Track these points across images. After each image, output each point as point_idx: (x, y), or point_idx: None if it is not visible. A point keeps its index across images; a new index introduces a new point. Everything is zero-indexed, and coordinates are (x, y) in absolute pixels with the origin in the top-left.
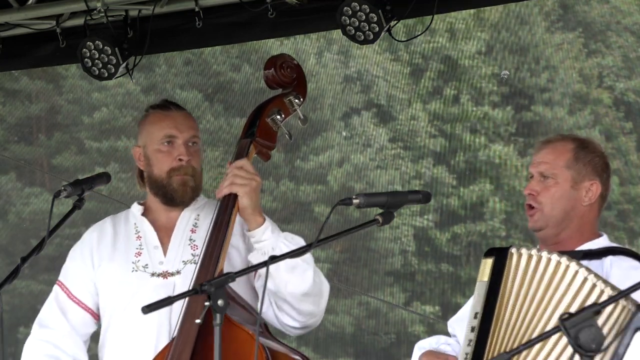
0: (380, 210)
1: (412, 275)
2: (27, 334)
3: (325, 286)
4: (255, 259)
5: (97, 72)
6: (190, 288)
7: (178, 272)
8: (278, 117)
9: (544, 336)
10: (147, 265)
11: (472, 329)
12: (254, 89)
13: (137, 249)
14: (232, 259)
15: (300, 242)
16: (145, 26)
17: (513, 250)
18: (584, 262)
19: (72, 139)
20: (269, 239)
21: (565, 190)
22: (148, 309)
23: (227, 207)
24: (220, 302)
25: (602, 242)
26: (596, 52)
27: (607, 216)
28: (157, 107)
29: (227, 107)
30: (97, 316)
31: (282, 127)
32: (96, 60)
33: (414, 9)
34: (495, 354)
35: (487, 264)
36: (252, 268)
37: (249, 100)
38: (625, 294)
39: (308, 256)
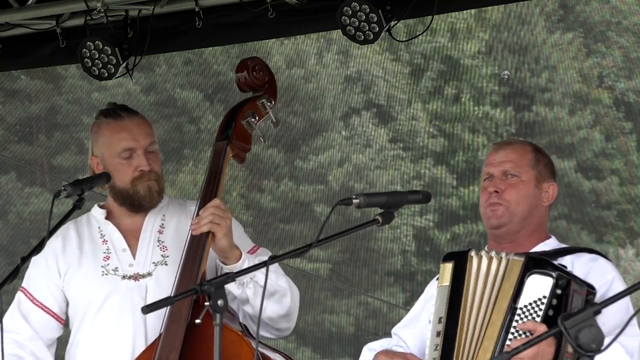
0: (380, 210)
1: (412, 275)
2: None
3: (297, 298)
4: (232, 288)
5: (97, 72)
6: (173, 290)
7: (149, 274)
8: (252, 119)
9: (543, 336)
10: (117, 268)
11: (438, 334)
12: None
13: (104, 252)
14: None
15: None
16: (145, 26)
17: (472, 253)
18: None
19: (72, 139)
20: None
21: (530, 188)
22: (148, 309)
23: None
24: (220, 302)
25: (553, 243)
26: (596, 52)
27: (607, 216)
28: (109, 116)
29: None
30: (62, 320)
31: (257, 130)
32: (96, 60)
33: (414, 9)
34: (464, 357)
35: (446, 269)
36: (252, 268)
37: None
38: (625, 294)
39: (284, 282)
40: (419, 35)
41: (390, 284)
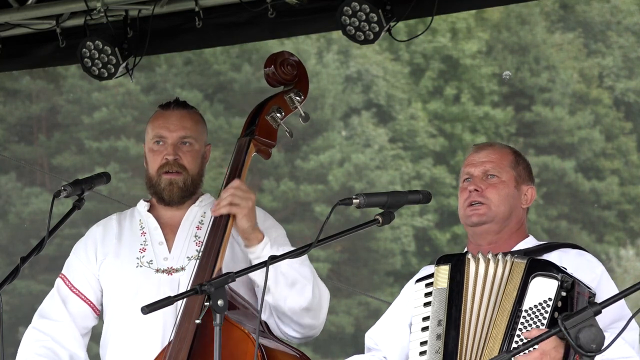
0: (380, 210)
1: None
2: None
3: (325, 297)
4: (255, 275)
5: (97, 72)
6: (189, 285)
7: (182, 269)
8: (278, 114)
9: (544, 336)
10: (151, 261)
11: (438, 337)
12: (254, 89)
13: (141, 244)
14: (236, 254)
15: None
16: (145, 26)
17: (469, 256)
18: None
19: (72, 139)
20: (269, 254)
21: (511, 189)
22: (148, 309)
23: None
24: (220, 302)
25: (532, 241)
26: (596, 52)
27: (607, 216)
28: (162, 106)
29: (227, 106)
30: (97, 310)
31: (283, 125)
32: (96, 60)
33: (414, 9)
34: (467, 359)
35: (442, 271)
36: (252, 268)
37: (249, 100)
38: (625, 294)
39: (308, 272)
40: (419, 35)
41: (390, 284)
